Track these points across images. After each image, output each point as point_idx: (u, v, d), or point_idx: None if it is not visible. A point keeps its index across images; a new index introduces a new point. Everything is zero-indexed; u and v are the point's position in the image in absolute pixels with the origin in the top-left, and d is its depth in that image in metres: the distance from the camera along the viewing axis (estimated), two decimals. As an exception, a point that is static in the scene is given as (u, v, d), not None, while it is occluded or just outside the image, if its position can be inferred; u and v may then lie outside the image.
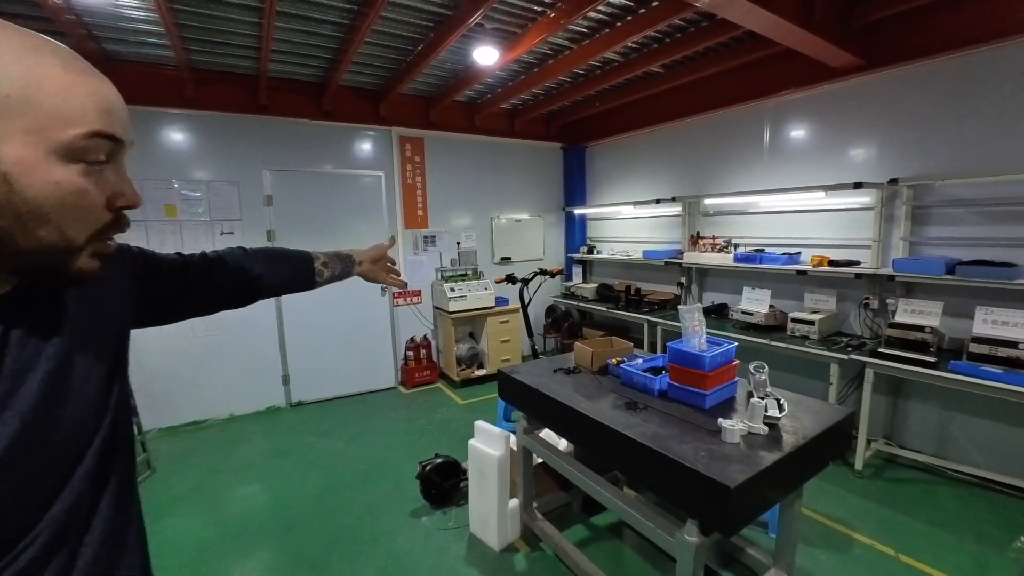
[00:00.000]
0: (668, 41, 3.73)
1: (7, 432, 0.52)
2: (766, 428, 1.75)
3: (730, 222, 4.57)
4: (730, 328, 3.94)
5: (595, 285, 5.73)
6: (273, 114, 4.43)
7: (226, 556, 2.59)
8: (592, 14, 3.25)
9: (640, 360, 2.41)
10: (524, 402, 2.50)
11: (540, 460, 2.64)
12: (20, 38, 0.50)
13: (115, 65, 3.76)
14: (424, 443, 3.84)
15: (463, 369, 5.22)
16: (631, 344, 2.73)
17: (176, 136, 4.14)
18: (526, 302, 4.02)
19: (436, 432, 4.07)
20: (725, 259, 4.28)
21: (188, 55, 3.71)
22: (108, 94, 0.55)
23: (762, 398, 1.81)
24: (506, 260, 6.01)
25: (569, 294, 6.02)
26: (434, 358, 5.48)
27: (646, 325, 4.67)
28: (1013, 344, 2.66)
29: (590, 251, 6.17)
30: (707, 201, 4.61)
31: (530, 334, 4.18)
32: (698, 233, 4.75)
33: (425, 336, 5.43)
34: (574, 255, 6.37)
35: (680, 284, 4.95)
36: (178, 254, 0.93)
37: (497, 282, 4.55)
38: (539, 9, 3.22)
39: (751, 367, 1.90)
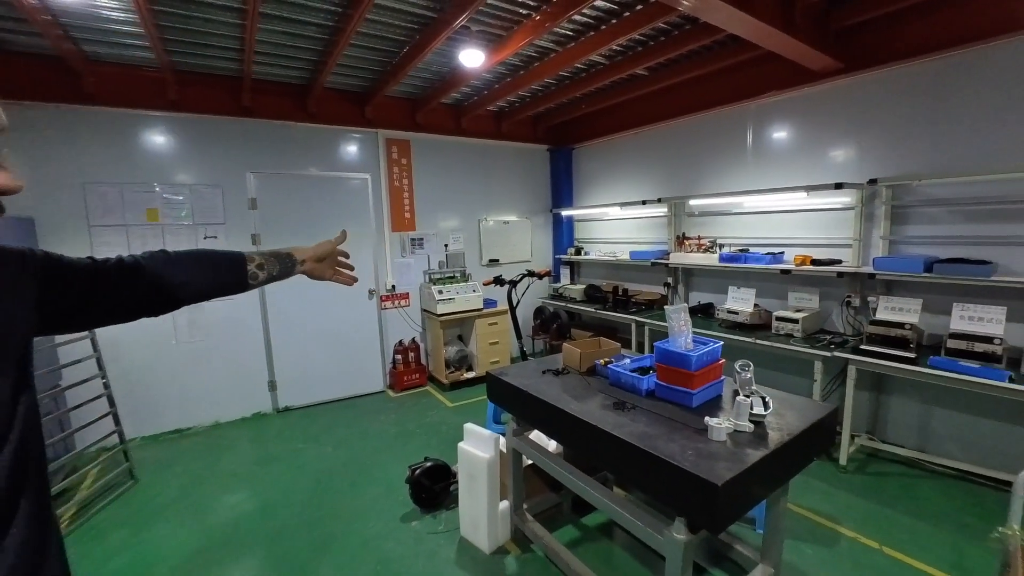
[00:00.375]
0: (653, 44, 3.76)
1: None
2: (752, 426, 1.77)
3: (715, 223, 4.63)
4: (716, 327, 3.99)
5: (583, 286, 5.76)
6: (257, 116, 4.38)
7: (214, 565, 2.55)
8: (577, 17, 3.27)
9: (628, 360, 2.43)
10: (513, 404, 2.50)
11: (530, 462, 2.64)
12: None
13: (94, 66, 3.69)
14: (413, 447, 3.82)
15: (452, 372, 5.20)
16: (619, 344, 2.75)
17: (158, 139, 4.07)
18: (514, 304, 4.02)
19: (425, 435, 4.05)
20: (710, 259, 4.34)
21: (169, 56, 3.65)
22: None
23: (748, 396, 1.84)
24: (494, 262, 6.01)
25: (557, 295, 6.04)
26: (423, 361, 5.45)
27: (633, 325, 4.71)
28: (988, 339, 2.74)
29: (578, 252, 6.20)
30: (692, 202, 4.66)
31: (518, 336, 4.18)
32: (684, 234, 4.80)
33: (413, 339, 5.41)
34: (562, 256, 6.39)
35: (667, 284, 4.99)
36: (90, 258, 0.87)
37: (485, 284, 4.54)
38: (524, 12, 3.23)
39: (737, 366, 1.93)
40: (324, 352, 4.87)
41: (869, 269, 3.36)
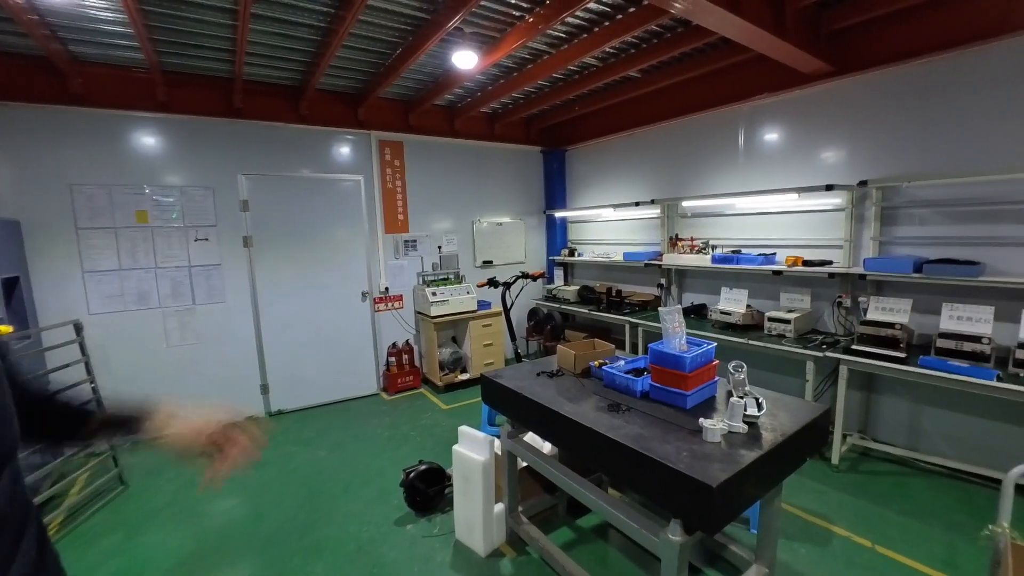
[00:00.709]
0: (645, 46, 3.78)
1: None
2: (746, 427, 1.78)
3: (708, 224, 4.66)
4: (709, 328, 4.01)
5: (577, 287, 5.77)
6: (248, 118, 4.34)
7: (207, 571, 2.52)
8: (570, 19, 3.28)
9: (622, 362, 2.43)
10: (508, 406, 2.49)
11: (525, 464, 2.63)
12: None
13: (83, 67, 3.64)
14: (408, 450, 3.80)
15: (446, 374, 5.18)
16: (613, 346, 2.75)
17: (147, 140, 4.02)
18: (508, 305, 4.02)
19: (420, 438, 4.03)
20: (703, 260, 4.36)
21: (159, 57, 3.61)
22: None
23: (741, 397, 1.84)
24: (488, 264, 6.01)
25: (551, 297, 6.04)
26: (417, 363, 5.44)
27: (627, 326, 4.72)
28: (977, 339, 2.77)
29: (571, 254, 6.21)
30: (685, 203, 4.68)
31: (513, 337, 4.18)
32: (677, 235, 4.82)
33: (407, 341, 5.39)
34: (555, 258, 6.40)
35: (660, 285, 5.01)
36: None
37: (479, 286, 4.54)
38: (517, 14, 3.23)
39: (730, 367, 1.94)
40: (317, 355, 4.83)
41: (860, 270, 3.39)
